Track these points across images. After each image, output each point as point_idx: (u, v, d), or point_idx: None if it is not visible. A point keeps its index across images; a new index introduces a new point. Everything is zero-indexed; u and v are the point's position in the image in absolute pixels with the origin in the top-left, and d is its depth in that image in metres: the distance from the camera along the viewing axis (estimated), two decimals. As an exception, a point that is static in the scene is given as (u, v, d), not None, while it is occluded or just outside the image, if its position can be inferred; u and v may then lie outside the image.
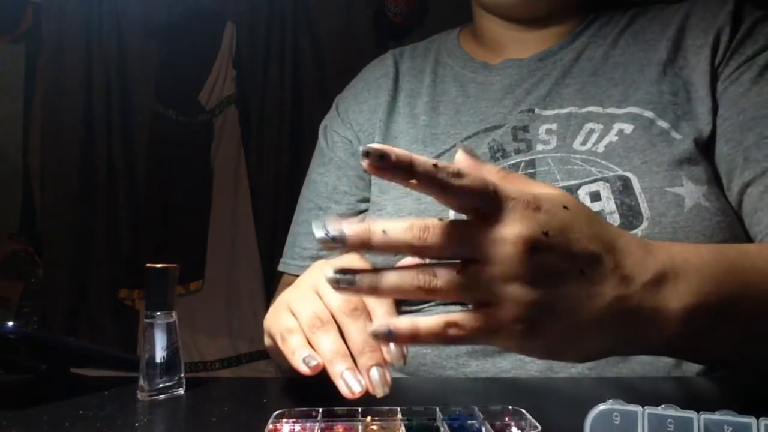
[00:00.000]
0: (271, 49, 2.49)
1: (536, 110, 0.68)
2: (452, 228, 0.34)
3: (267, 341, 0.53)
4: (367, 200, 0.75)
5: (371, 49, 2.34)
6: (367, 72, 0.84)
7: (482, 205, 0.34)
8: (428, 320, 0.35)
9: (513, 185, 0.36)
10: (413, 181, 0.34)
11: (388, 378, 0.41)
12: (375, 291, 0.35)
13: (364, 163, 0.32)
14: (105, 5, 2.42)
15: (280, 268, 0.80)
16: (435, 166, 0.33)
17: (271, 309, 0.51)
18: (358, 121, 0.78)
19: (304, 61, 2.50)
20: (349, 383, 0.41)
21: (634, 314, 0.38)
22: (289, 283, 0.79)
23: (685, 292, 0.39)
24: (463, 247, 0.35)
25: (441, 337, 0.35)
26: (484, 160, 0.39)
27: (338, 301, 0.44)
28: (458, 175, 0.33)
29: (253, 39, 2.50)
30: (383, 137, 0.74)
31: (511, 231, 0.34)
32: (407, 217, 0.65)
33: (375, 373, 0.41)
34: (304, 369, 0.42)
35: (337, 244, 0.33)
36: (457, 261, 0.35)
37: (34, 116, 2.49)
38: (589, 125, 0.65)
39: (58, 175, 2.38)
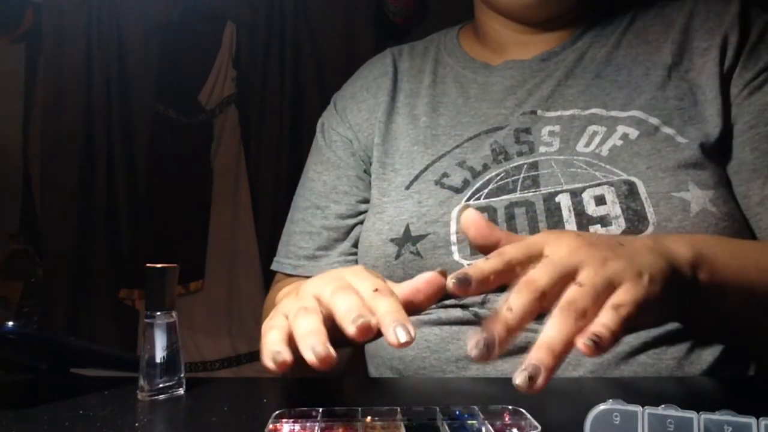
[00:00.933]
0: (271, 49, 2.49)
1: (538, 112, 0.68)
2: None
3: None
4: (366, 201, 0.75)
5: (371, 48, 2.34)
6: (366, 70, 0.83)
7: (532, 257, 0.41)
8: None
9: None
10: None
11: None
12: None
13: (452, 286, 0.38)
14: (105, 5, 2.42)
15: (274, 267, 0.80)
16: (487, 260, 0.40)
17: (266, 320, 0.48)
18: (357, 121, 0.77)
19: (304, 61, 2.50)
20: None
21: (664, 259, 0.43)
22: (282, 282, 0.79)
23: (682, 244, 0.47)
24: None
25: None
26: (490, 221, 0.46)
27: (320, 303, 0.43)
28: (501, 253, 0.40)
29: (253, 39, 2.49)
30: (383, 138, 0.74)
31: (563, 238, 0.42)
32: (406, 219, 0.65)
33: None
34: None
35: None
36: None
37: (34, 116, 2.49)
38: (592, 128, 0.64)
39: (58, 175, 2.38)
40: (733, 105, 0.64)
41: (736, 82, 0.64)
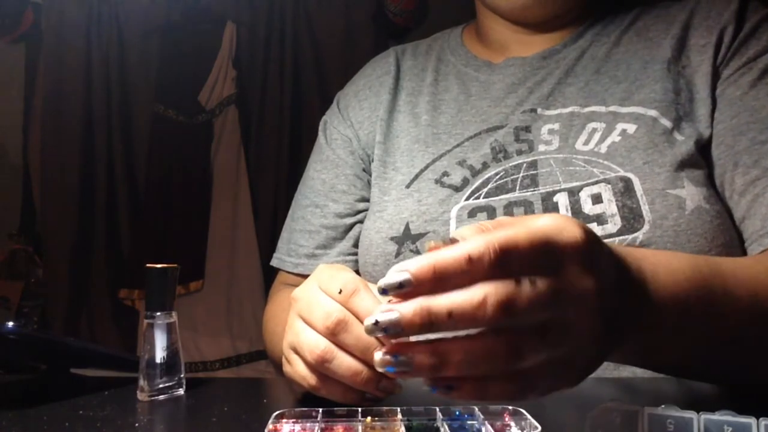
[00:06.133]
0: (271, 49, 2.49)
1: (539, 110, 0.68)
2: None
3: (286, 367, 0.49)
4: (365, 200, 0.75)
5: (371, 49, 2.34)
6: (369, 69, 0.83)
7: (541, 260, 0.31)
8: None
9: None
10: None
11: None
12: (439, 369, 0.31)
13: (384, 298, 0.30)
14: (105, 5, 2.42)
15: (275, 263, 0.80)
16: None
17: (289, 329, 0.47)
18: (358, 119, 0.78)
19: (304, 61, 2.50)
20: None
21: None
22: (285, 281, 0.79)
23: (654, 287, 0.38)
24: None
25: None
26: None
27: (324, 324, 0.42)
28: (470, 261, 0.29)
29: (253, 39, 2.50)
30: (384, 136, 0.74)
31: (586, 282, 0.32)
32: (406, 217, 0.65)
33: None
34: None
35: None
36: None
37: (34, 116, 2.49)
38: (592, 125, 0.64)
39: (58, 175, 2.38)
40: (717, 102, 0.63)
41: (720, 79, 0.64)
